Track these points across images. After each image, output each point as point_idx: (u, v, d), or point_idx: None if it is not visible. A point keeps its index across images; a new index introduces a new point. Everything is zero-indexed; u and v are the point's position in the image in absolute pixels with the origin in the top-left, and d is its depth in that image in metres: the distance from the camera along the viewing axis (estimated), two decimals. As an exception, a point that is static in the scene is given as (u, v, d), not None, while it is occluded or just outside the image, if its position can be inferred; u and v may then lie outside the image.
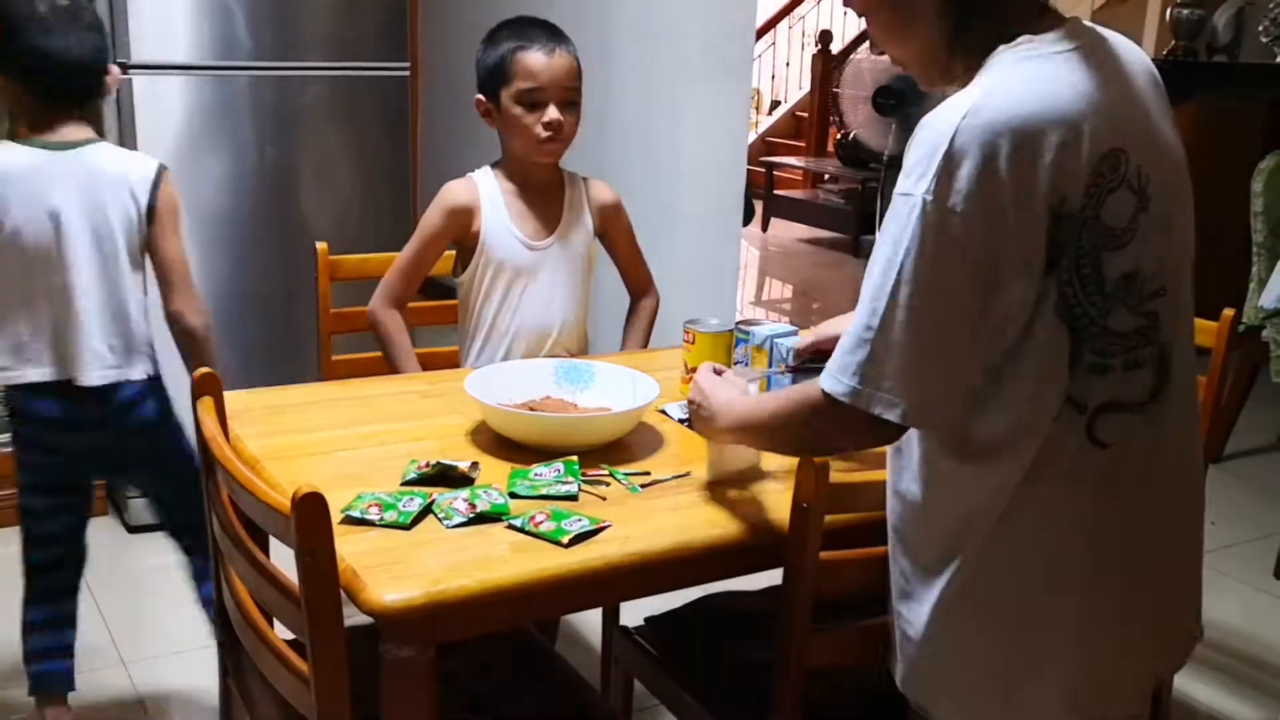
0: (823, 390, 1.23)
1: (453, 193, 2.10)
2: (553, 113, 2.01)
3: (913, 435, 1.29)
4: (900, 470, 1.32)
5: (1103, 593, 1.26)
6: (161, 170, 2.02)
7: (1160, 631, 1.34)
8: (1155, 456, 1.27)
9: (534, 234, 2.11)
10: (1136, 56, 1.30)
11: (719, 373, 1.53)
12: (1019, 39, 1.22)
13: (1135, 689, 1.33)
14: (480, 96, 2.06)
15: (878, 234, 1.22)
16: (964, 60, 1.26)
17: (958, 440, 1.24)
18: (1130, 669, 1.31)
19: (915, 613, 1.32)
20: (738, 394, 1.47)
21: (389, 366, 2.11)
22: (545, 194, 2.14)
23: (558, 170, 2.16)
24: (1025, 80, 1.18)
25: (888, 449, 1.34)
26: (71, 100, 1.98)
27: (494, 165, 2.14)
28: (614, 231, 2.24)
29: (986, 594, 1.26)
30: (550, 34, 2.04)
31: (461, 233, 2.10)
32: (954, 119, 1.15)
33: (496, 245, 2.09)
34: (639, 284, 2.35)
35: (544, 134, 2.02)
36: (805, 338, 1.77)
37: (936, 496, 1.28)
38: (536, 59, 2.00)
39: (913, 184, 1.16)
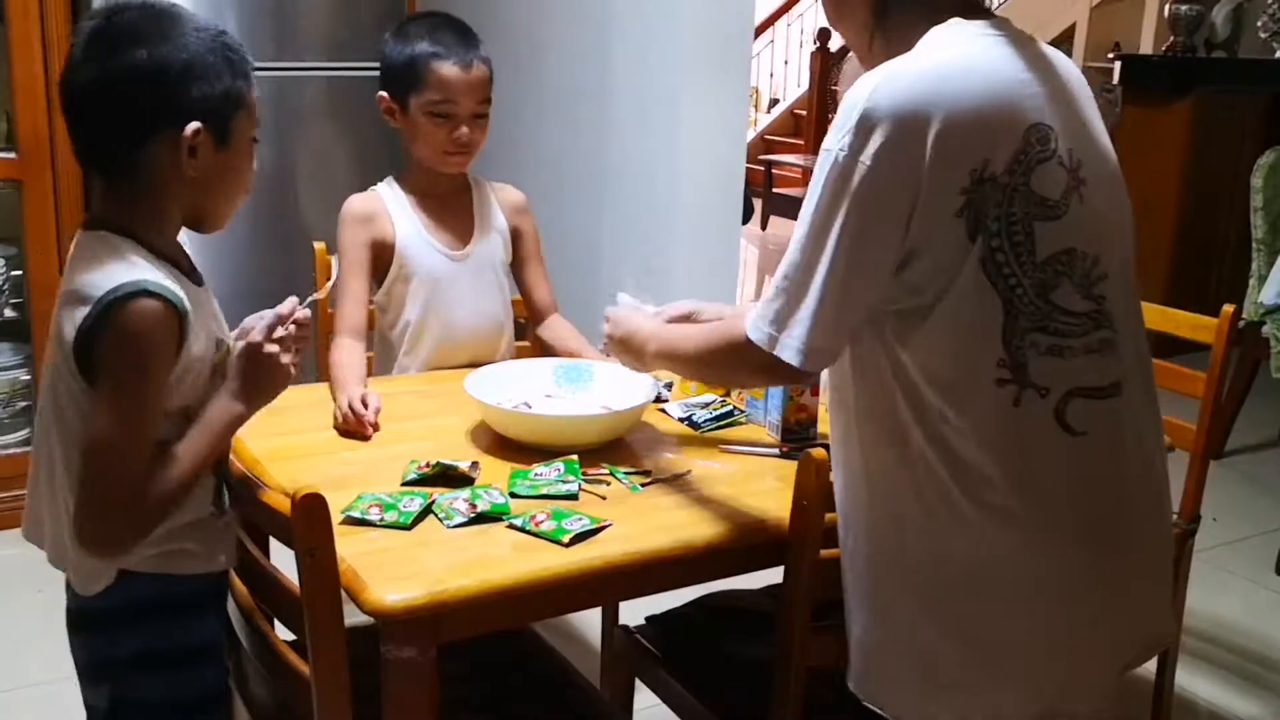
0: (744, 333, 1.30)
1: (354, 205, 2.01)
2: (463, 131, 1.95)
3: (854, 414, 1.31)
4: (847, 456, 1.33)
5: (1070, 588, 1.26)
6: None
7: (1127, 630, 1.33)
8: (1121, 447, 1.28)
9: (450, 243, 2.04)
10: (1069, 67, 1.34)
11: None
12: (950, 21, 1.27)
13: (1101, 684, 1.33)
14: (384, 94, 1.98)
15: None
16: (886, 46, 1.31)
17: (888, 403, 1.26)
18: (1096, 665, 1.31)
19: (867, 608, 1.32)
20: (657, 324, 1.57)
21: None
22: (453, 201, 2.07)
23: (463, 175, 2.09)
24: (946, 50, 1.24)
25: (833, 434, 1.36)
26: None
27: (395, 177, 2.06)
28: (526, 238, 2.14)
29: (947, 589, 1.26)
30: (465, 41, 1.95)
31: (374, 242, 2.00)
32: (875, 80, 1.21)
33: (415, 256, 2.00)
34: (544, 301, 2.15)
35: (451, 148, 1.96)
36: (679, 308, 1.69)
37: (881, 483, 1.29)
38: (452, 72, 1.92)
39: (830, 141, 1.22)
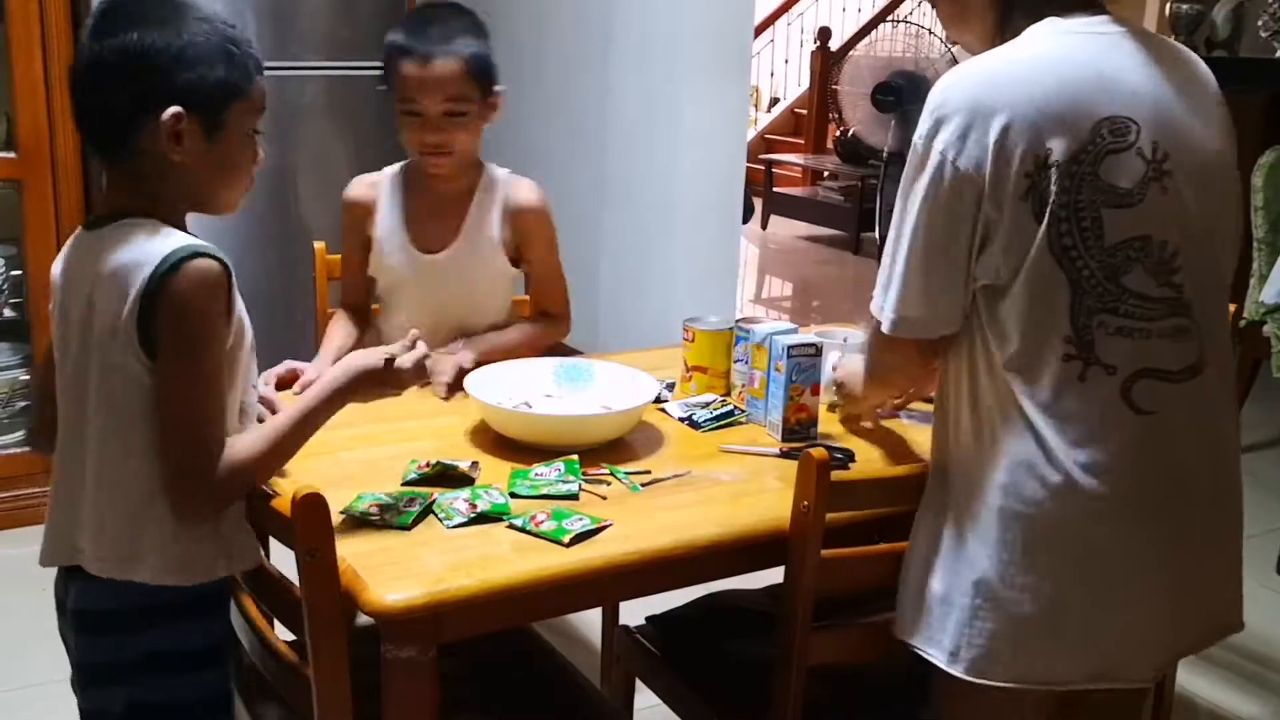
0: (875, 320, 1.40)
1: (353, 190, 2.00)
2: (430, 134, 1.84)
3: (953, 389, 1.37)
4: (941, 421, 1.41)
5: (1129, 561, 1.29)
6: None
7: (1189, 612, 1.37)
8: (1189, 431, 1.32)
9: (428, 243, 1.97)
10: (1187, 64, 1.39)
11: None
12: (1047, 18, 1.34)
13: (1156, 659, 1.36)
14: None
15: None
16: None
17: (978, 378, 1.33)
18: (1151, 641, 1.34)
19: (934, 563, 1.35)
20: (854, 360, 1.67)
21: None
22: (450, 199, 1.97)
23: (471, 170, 1.97)
24: (1022, 47, 1.33)
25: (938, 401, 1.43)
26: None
27: (406, 164, 2.00)
28: (530, 242, 2.00)
29: (1011, 550, 1.29)
30: (435, 34, 1.82)
31: (364, 230, 1.98)
32: (952, 75, 1.31)
33: (385, 251, 1.96)
34: (548, 307, 2.06)
35: (425, 149, 1.86)
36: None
37: (961, 449, 1.35)
38: (410, 69, 1.80)
39: (917, 130, 1.32)
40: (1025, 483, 1.29)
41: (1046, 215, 1.26)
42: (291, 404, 1.40)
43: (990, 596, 1.30)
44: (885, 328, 1.37)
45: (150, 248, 1.27)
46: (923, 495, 1.41)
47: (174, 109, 1.29)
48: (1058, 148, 1.25)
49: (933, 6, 1.50)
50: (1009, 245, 1.27)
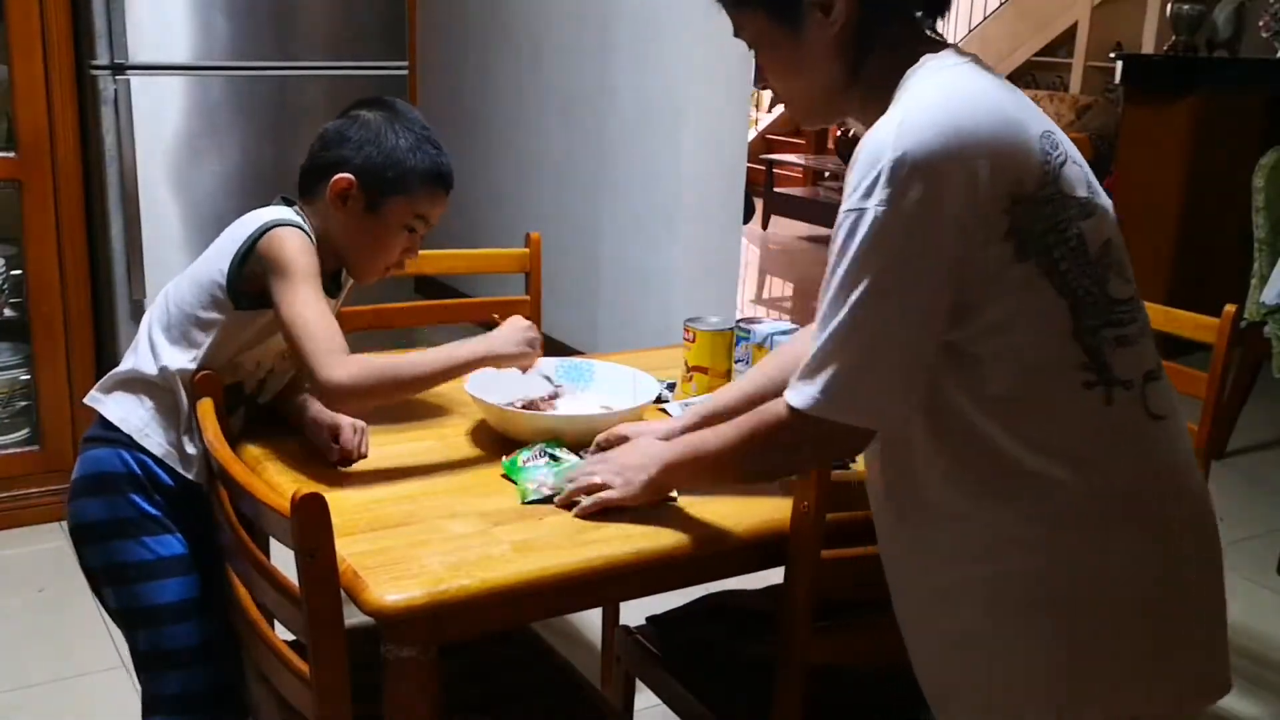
0: (789, 406, 1.24)
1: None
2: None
3: (931, 473, 1.25)
4: (919, 488, 1.28)
5: (1181, 586, 1.25)
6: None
7: (1210, 646, 1.30)
8: (1182, 425, 1.29)
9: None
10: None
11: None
12: (922, 59, 1.26)
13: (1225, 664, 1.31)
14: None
15: (830, 251, 1.22)
16: (864, 94, 1.30)
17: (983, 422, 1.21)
18: (1212, 664, 1.29)
19: (950, 624, 1.29)
20: (654, 442, 1.50)
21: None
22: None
23: None
24: (947, 85, 1.23)
25: (875, 477, 1.33)
26: None
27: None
28: None
29: (1044, 601, 1.22)
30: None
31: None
32: (892, 129, 1.18)
33: None
34: None
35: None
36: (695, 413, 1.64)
37: (968, 525, 1.24)
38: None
39: (860, 198, 1.18)
40: (1063, 538, 1.21)
41: (1032, 249, 1.18)
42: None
43: (1021, 660, 1.23)
44: (866, 423, 1.22)
45: (257, 216, 1.61)
46: (903, 607, 1.32)
47: (349, 175, 1.61)
48: (1025, 178, 1.19)
49: (757, 54, 1.35)
50: (1000, 290, 1.19)
